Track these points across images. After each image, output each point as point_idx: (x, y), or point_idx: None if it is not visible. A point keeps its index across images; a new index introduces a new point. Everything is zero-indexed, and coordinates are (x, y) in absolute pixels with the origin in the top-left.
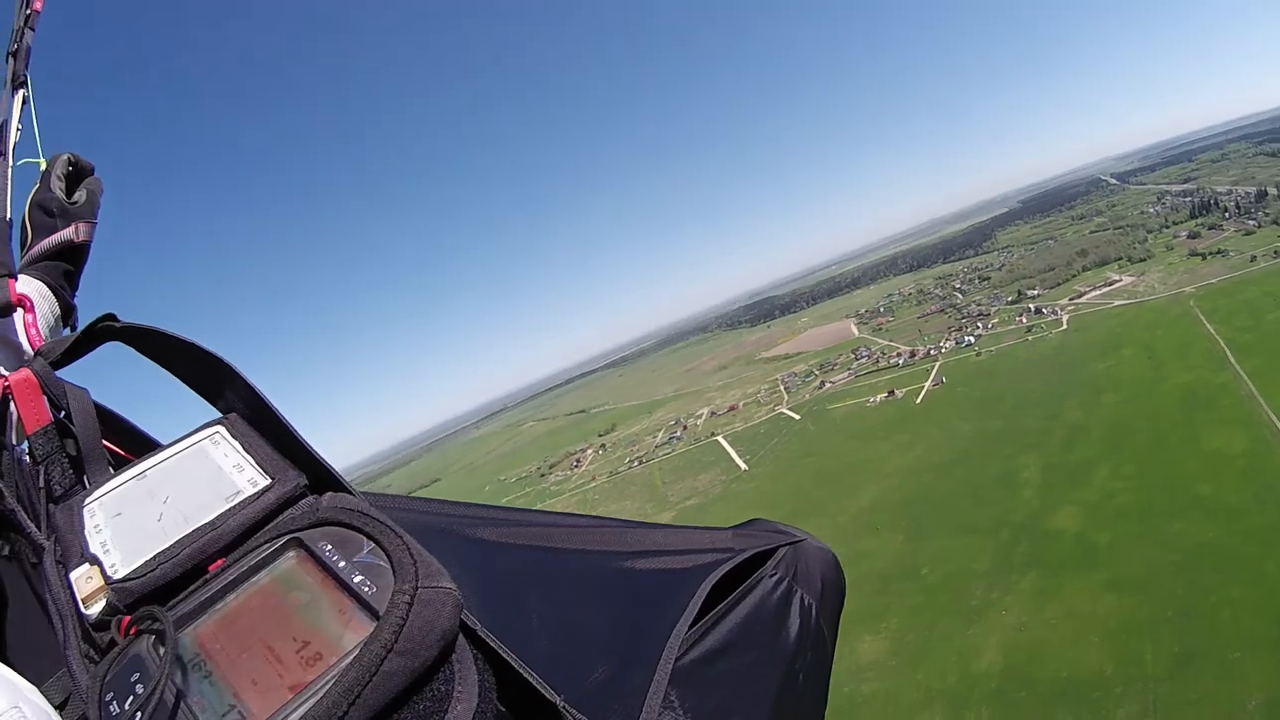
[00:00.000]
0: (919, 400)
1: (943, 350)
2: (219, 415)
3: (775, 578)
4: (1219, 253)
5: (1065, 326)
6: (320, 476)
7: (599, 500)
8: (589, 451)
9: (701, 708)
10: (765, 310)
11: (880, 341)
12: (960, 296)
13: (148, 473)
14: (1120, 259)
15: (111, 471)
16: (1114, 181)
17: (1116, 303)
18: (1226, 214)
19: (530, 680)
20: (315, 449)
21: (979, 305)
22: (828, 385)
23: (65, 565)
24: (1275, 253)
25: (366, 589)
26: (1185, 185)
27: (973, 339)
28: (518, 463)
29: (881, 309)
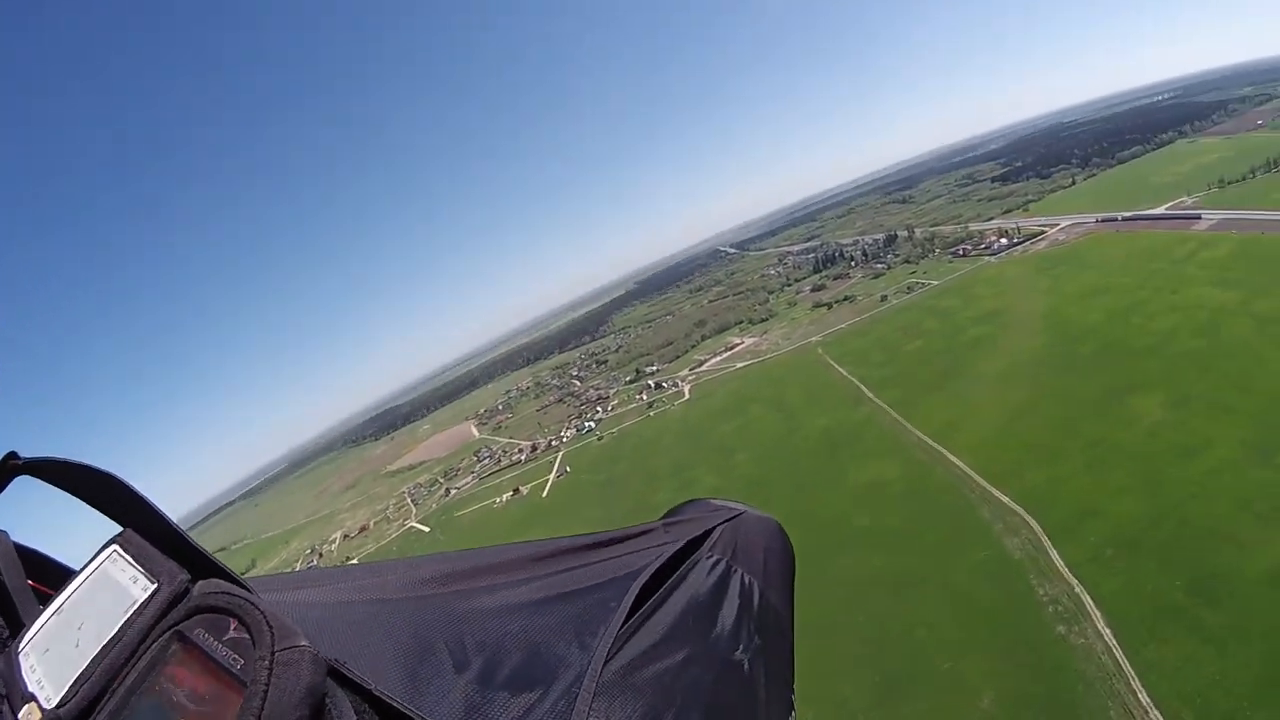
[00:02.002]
0: (545, 494)
1: (564, 440)
2: (117, 531)
3: (711, 560)
4: (847, 299)
5: (688, 396)
6: (204, 565)
7: None
8: None
9: (631, 716)
10: (388, 422)
11: (501, 440)
12: (578, 384)
13: (64, 606)
14: (741, 322)
15: (39, 608)
16: (732, 251)
17: (739, 364)
18: (853, 262)
19: None
20: (194, 540)
21: (597, 389)
22: (453, 492)
23: (14, 709)
24: (908, 288)
25: (236, 665)
26: (808, 243)
27: (593, 424)
28: None
29: (500, 407)
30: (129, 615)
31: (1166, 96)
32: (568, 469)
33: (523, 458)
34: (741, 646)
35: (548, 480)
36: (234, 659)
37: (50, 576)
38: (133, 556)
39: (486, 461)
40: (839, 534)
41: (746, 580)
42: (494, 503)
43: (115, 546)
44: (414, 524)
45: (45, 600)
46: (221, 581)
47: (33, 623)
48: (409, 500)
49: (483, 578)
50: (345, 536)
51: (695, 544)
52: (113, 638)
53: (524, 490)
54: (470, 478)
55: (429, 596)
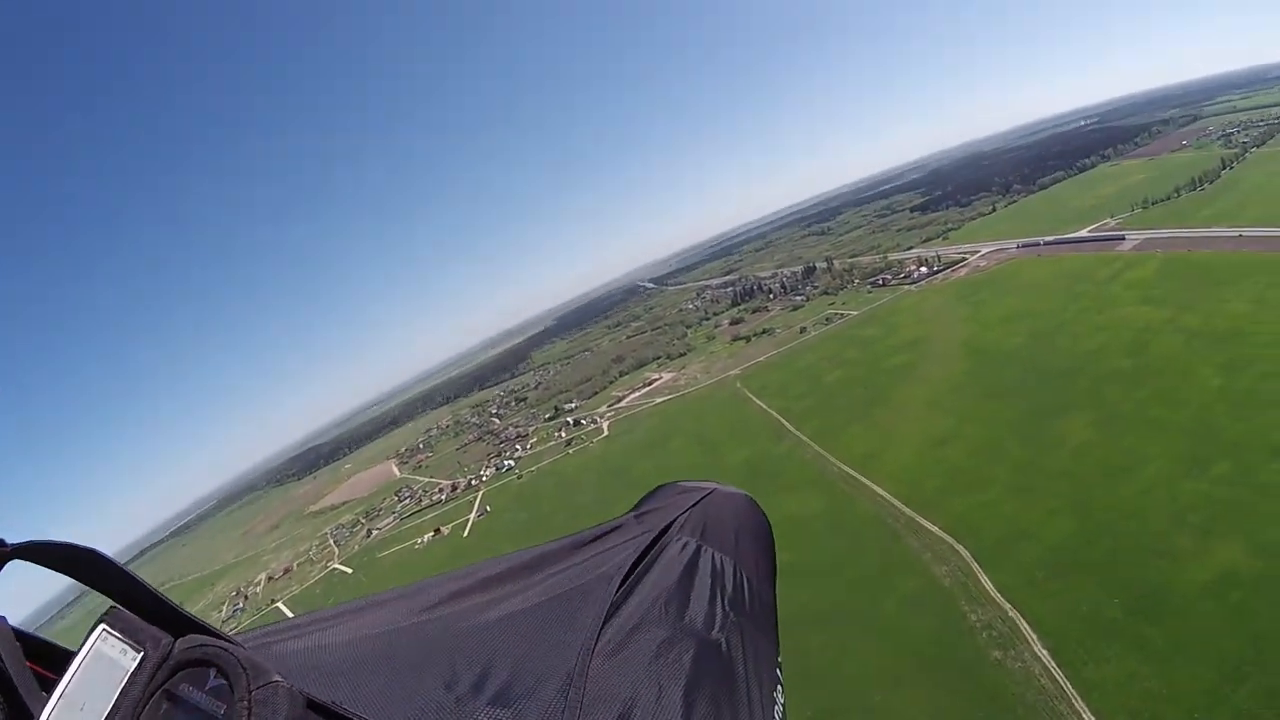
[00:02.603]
0: (465, 534)
1: (484, 479)
2: (106, 608)
3: (680, 543)
4: (765, 332)
5: (607, 433)
6: (185, 622)
7: None
8: None
9: (611, 708)
10: (311, 460)
11: (422, 479)
12: (497, 421)
13: (67, 690)
14: (659, 358)
15: (43, 694)
16: (651, 286)
17: (658, 400)
18: (772, 295)
19: None
20: (173, 602)
21: (517, 427)
22: (375, 533)
23: None
24: (827, 320)
25: (220, 710)
26: (727, 277)
27: (512, 462)
28: None
29: (421, 445)
30: (122, 687)
31: (1089, 122)
32: (488, 508)
33: (443, 497)
34: (717, 625)
35: (468, 520)
36: (217, 705)
37: (47, 658)
38: (120, 630)
39: (407, 501)
40: None
41: (717, 559)
42: (415, 543)
43: (104, 625)
44: (337, 565)
45: (44, 683)
46: (200, 635)
47: (39, 710)
48: (331, 541)
49: (468, 597)
50: (270, 578)
51: (667, 530)
52: (110, 711)
53: (445, 530)
54: (392, 518)
55: (420, 623)
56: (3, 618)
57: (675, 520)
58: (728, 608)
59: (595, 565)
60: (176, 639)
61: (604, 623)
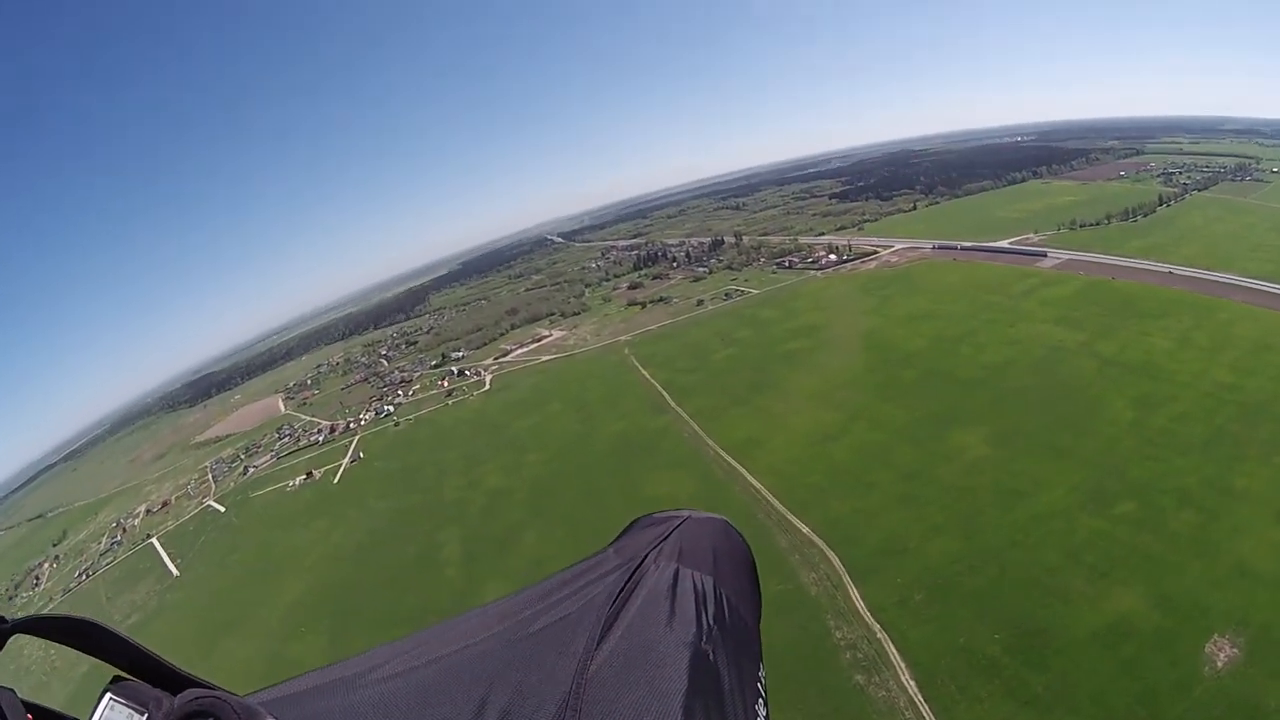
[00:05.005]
0: (336, 480)
1: (362, 423)
2: (112, 677)
3: (659, 567)
4: (662, 300)
5: (488, 387)
6: (183, 679)
7: None
8: (45, 565)
9: None
10: (204, 388)
11: (304, 417)
12: (385, 363)
13: None
14: (553, 314)
15: None
16: (559, 240)
17: (544, 358)
18: (675, 264)
19: None
20: (170, 662)
21: (403, 371)
22: (251, 470)
23: None
24: (726, 295)
25: None
26: (634, 239)
27: (392, 408)
28: None
29: (309, 381)
30: None
31: (1026, 138)
32: (361, 454)
33: (320, 439)
34: (704, 638)
35: (341, 465)
36: None
37: None
38: (125, 697)
39: (287, 439)
40: None
41: (697, 579)
42: (288, 485)
43: (110, 694)
44: (211, 503)
45: None
46: (196, 689)
47: None
48: (210, 476)
49: (462, 640)
50: (148, 511)
51: (645, 559)
52: None
53: (317, 474)
54: (270, 456)
55: (416, 668)
56: (12, 690)
57: (653, 548)
58: (711, 621)
59: (581, 597)
60: (175, 695)
61: (596, 646)
